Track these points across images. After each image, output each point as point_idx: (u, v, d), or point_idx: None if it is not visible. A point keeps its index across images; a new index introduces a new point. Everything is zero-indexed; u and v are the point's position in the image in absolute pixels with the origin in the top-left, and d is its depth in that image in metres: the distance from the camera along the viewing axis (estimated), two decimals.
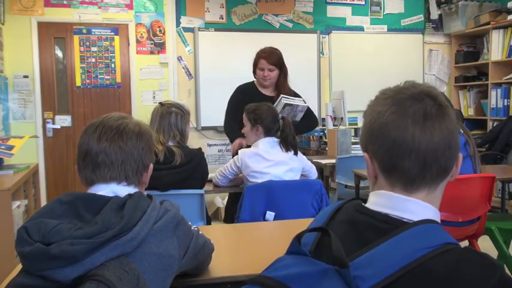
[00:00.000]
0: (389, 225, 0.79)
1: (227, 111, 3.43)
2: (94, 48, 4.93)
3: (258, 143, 2.67)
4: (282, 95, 3.23)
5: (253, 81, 3.43)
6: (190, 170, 2.43)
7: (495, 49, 5.21)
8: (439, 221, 0.83)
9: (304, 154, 2.84)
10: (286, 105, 3.18)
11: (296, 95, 3.41)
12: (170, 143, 2.45)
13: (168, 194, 2.38)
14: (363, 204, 0.87)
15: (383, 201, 0.84)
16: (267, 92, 3.38)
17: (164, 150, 2.37)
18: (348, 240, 0.81)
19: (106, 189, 1.12)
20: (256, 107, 2.75)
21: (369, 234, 0.79)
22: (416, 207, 0.82)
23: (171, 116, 2.47)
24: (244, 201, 2.48)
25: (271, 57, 3.29)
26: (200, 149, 2.54)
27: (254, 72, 3.39)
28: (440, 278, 0.71)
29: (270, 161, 2.59)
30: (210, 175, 2.83)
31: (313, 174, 2.80)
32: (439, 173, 0.82)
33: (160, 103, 2.54)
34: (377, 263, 0.74)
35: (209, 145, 5.29)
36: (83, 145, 1.15)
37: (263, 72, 3.30)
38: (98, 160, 1.12)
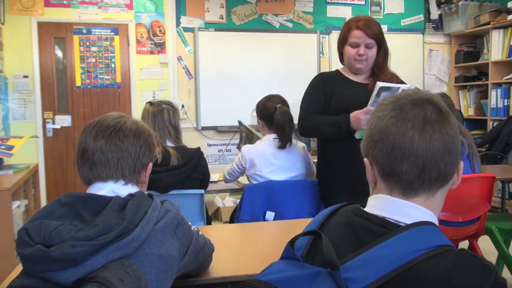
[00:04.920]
0: (386, 229, 0.79)
1: (303, 106, 2.41)
2: (94, 48, 4.93)
3: (263, 140, 2.61)
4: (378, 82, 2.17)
5: (337, 70, 2.47)
6: (189, 171, 2.42)
7: (495, 49, 5.21)
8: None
9: None
10: (381, 89, 2.18)
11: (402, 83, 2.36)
12: (168, 143, 2.44)
13: (168, 194, 2.38)
14: (361, 207, 0.87)
15: (381, 204, 0.84)
16: (360, 79, 2.39)
17: (162, 152, 2.35)
18: (343, 242, 0.81)
19: (105, 189, 1.12)
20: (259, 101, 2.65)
21: (365, 237, 0.80)
22: (413, 212, 0.81)
23: (163, 113, 2.44)
24: (244, 201, 2.47)
25: (369, 27, 2.25)
26: (199, 148, 2.53)
27: (341, 55, 2.40)
28: (433, 281, 0.70)
29: (274, 165, 2.54)
30: (213, 176, 2.81)
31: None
32: (438, 178, 0.82)
33: (149, 102, 2.50)
34: (369, 265, 0.74)
35: (209, 145, 5.29)
36: (80, 144, 1.15)
37: (357, 50, 2.27)
38: (94, 158, 1.12)
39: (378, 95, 2.15)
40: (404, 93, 0.87)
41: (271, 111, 2.55)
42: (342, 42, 2.34)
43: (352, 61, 2.31)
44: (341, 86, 2.35)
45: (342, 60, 2.42)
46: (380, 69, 2.35)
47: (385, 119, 0.83)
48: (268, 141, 2.57)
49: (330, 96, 2.34)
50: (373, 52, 2.29)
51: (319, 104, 2.36)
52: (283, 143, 2.53)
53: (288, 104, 2.64)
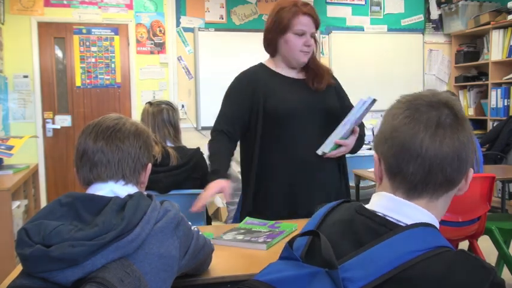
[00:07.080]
0: (386, 228, 0.79)
1: (217, 117, 1.99)
2: (94, 48, 4.93)
3: None
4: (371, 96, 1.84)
5: (260, 64, 2.08)
6: (189, 171, 2.42)
7: (495, 49, 5.21)
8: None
9: None
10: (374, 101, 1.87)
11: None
12: (168, 143, 2.44)
13: (168, 195, 2.38)
14: (363, 205, 0.87)
15: (383, 202, 0.84)
16: (293, 74, 2.00)
17: (162, 152, 2.35)
18: (343, 240, 0.81)
19: (105, 189, 1.12)
20: None
21: (365, 235, 0.80)
22: (414, 212, 0.81)
23: (162, 112, 2.45)
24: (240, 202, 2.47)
25: (316, 14, 1.95)
26: (198, 148, 2.53)
27: (273, 46, 1.98)
28: (431, 281, 0.70)
29: None
30: None
31: None
32: (443, 183, 0.81)
33: (148, 103, 2.52)
34: (367, 264, 0.74)
35: None
36: (80, 145, 1.15)
37: (305, 40, 1.90)
38: (94, 159, 1.12)
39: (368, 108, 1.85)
40: (422, 93, 0.86)
41: None
42: (283, 30, 1.92)
43: (296, 53, 1.91)
44: (275, 84, 1.93)
45: (271, 51, 2.01)
46: (315, 62, 2.01)
47: (399, 117, 0.83)
48: None
49: (264, 97, 1.90)
50: (313, 43, 1.96)
51: (239, 112, 1.92)
52: None
53: None
